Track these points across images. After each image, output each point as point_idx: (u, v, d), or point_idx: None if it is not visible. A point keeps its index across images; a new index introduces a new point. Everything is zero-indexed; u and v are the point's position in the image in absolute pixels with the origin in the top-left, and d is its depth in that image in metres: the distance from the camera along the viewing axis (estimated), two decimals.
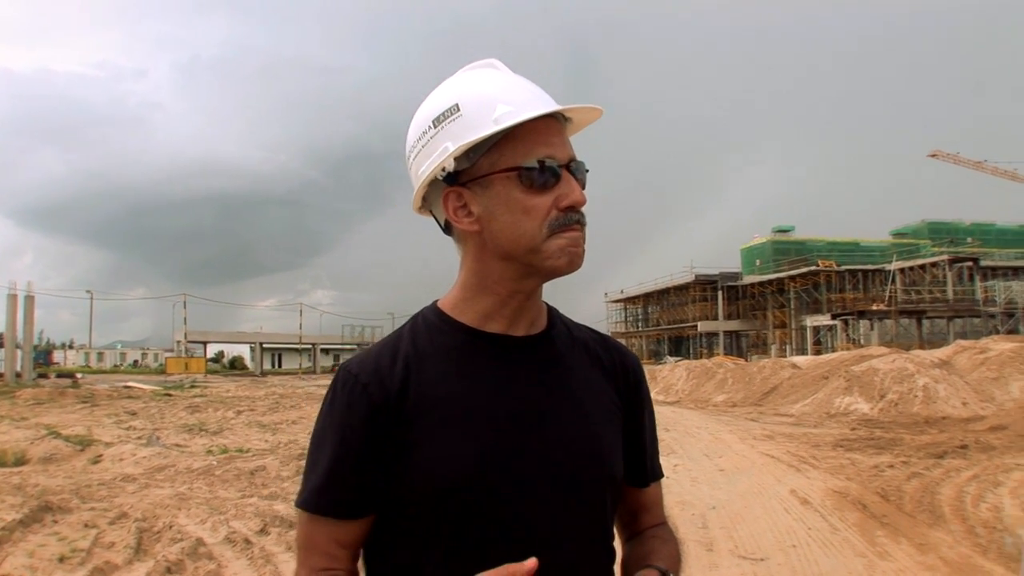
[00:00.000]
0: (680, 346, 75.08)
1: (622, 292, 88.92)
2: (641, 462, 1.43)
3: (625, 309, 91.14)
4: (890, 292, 54.87)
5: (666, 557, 1.33)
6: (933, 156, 77.02)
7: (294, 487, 9.06)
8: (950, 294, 54.10)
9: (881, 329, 49.75)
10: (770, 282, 67.23)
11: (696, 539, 6.48)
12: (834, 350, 45.37)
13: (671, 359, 56.46)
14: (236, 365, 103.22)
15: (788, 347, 60.94)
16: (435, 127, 1.22)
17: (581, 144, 1.29)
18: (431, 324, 1.30)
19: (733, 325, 70.96)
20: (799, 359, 28.94)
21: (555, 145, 1.21)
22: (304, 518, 1.24)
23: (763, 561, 5.80)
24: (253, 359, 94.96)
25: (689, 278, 72.02)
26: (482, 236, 1.24)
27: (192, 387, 38.19)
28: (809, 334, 57.40)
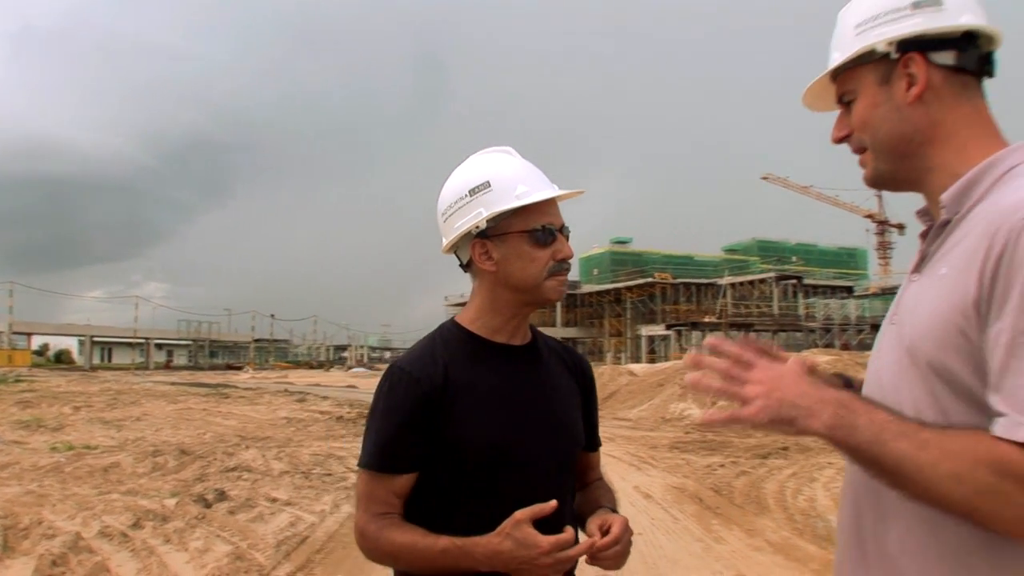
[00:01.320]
0: None
1: (462, 295, 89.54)
2: (592, 434, 2.01)
3: None
4: (721, 305, 58.26)
5: (610, 500, 1.90)
6: (765, 178, 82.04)
7: (152, 483, 9.12)
8: (775, 309, 57.93)
9: None
10: (608, 292, 69.87)
11: None
12: (667, 359, 47.72)
13: None
14: (63, 359, 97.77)
15: (623, 355, 63.46)
16: (471, 196, 1.76)
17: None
18: (456, 335, 1.84)
19: (571, 332, 73.27)
20: (636, 367, 30.45)
21: (552, 215, 1.78)
22: (366, 476, 1.75)
23: None
24: (81, 353, 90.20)
25: None
26: (497, 275, 1.77)
27: (17, 381, 36.00)
28: (644, 343, 60.01)
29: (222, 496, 8.11)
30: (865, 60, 1.39)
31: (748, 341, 1.36)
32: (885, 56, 1.36)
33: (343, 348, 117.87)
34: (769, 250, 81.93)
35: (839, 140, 1.48)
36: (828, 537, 6.84)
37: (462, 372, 1.76)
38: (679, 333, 55.74)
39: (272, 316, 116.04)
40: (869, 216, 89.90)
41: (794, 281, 62.45)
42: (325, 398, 24.69)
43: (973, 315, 1.16)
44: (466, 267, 1.85)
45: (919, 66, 1.34)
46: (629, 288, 67.12)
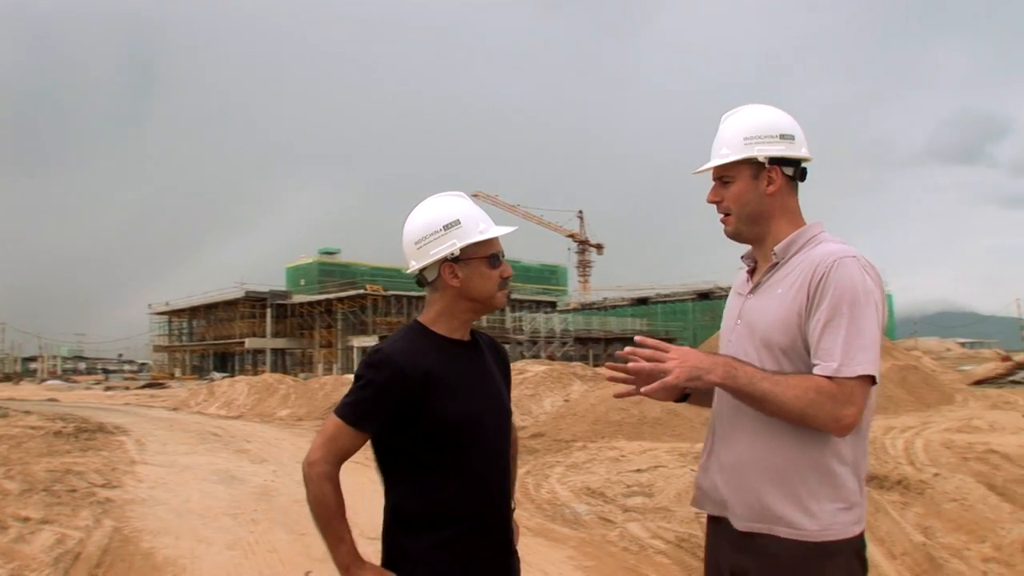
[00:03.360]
0: (226, 362, 74.02)
1: (167, 304, 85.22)
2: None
3: (170, 322, 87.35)
4: None
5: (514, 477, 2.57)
6: (476, 195, 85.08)
7: None
8: (484, 321, 60.38)
9: None
10: (319, 302, 69.29)
11: None
12: None
13: (217, 375, 55.74)
14: None
15: (335, 366, 63.30)
16: (445, 230, 2.30)
17: None
18: (423, 333, 2.36)
19: (281, 343, 71.88)
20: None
21: (498, 245, 2.39)
22: (337, 423, 2.23)
23: None
24: None
25: (239, 294, 71.48)
26: (460, 290, 2.33)
27: None
28: (356, 354, 60.26)
29: None
30: (747, 161, 2.26)
31: (655, 340, 2.19)
32: (759, 163, 2.25)
33: (32, 359, 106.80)
34: None
35: (712, 202, 2.36)
36: (576, 521, 7.78)
37: (435, 364, 2.27)
38: None
39: None
40: (571, 236, 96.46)
41: None
42: (28, 412, 22.75)
43: (804, 313, 2.10)
44: (425, 282, 2.38)
45: (777, 173, 2.26)
46: (341, 299, 67.10)
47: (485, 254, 2.32)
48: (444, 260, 2.29)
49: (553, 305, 76.66)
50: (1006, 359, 39.70)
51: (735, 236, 2.35)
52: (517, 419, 14.22)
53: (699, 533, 6.84)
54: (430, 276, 2.35)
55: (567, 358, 47.04)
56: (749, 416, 2.14)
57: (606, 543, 6.89)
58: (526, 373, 22.90)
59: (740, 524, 2.15)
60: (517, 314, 63.20)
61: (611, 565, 6.19)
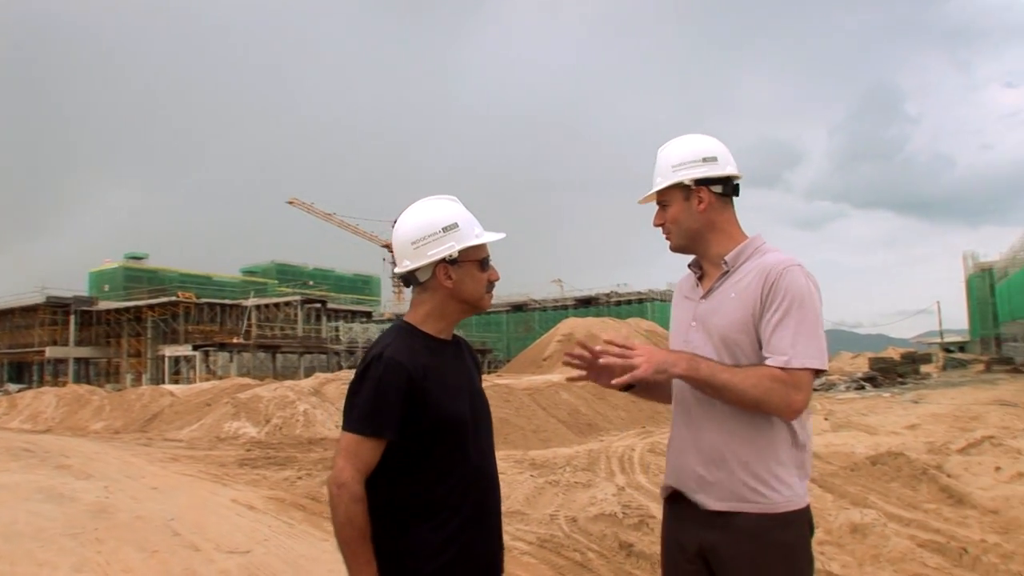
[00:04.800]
0: (23, 372, 68.30)
1: None
2: None
3: None
4: (247, 327, 57.89)
5: None
6: (291, 203, 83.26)
7: None
8: (300, 331, 59.05)
9: (239, 361, 52.19)
10: (128, 309, 65.27)
11: (178, 544, 7.07)
12: (191, 380, 46.25)
13: (13, 387, 51.46)
14: None
15: (144, 376, 59.89)
16: (444, 232, 2.32)
17: None
18: (412, 333, 2.36)
19: (85, 352, 67.05)
20: (176, 388, 29.21)
21: (487, 250, 2.42)
22: (355, 439, 2.21)
23: (249, 553, 6.71)
24: None
25: (39, 299, 66.09)
26: (452, 291, 2.36)
27: None
28: (168, 364, 57.31)
29: None
30: (677, 186, 2.52)
31: (622, 340, 2.38)
32: (687, 186, 2.50)
33: None
34: (288, 273, 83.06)
35: (658, 225, 2.60)
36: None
37: (429, 361, 2.30)
38: (206, 354, 54.32)
39: None
40: (386, 246, 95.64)
41: (319, 305, 64.35)
42: None
43: (757, 315, 2.33)
44: (415, 282, 2.40)
45: (705, 193, 2.50)
46: (151, 306, 63.49)
47: (478, 257, 2.38)
48: (440, 262, 2.32)
49: (369, 315, 75.80)
50: None
51: (678, 250, 2.59)
52: None
53: (559, 534, 7.03)
54: (422, 277, 2.37)
55: None
56: (714, 408, 2.35)
57: None
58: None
59: (714, 504, 2.33)
60: (333, 323, 62.14)
61: None
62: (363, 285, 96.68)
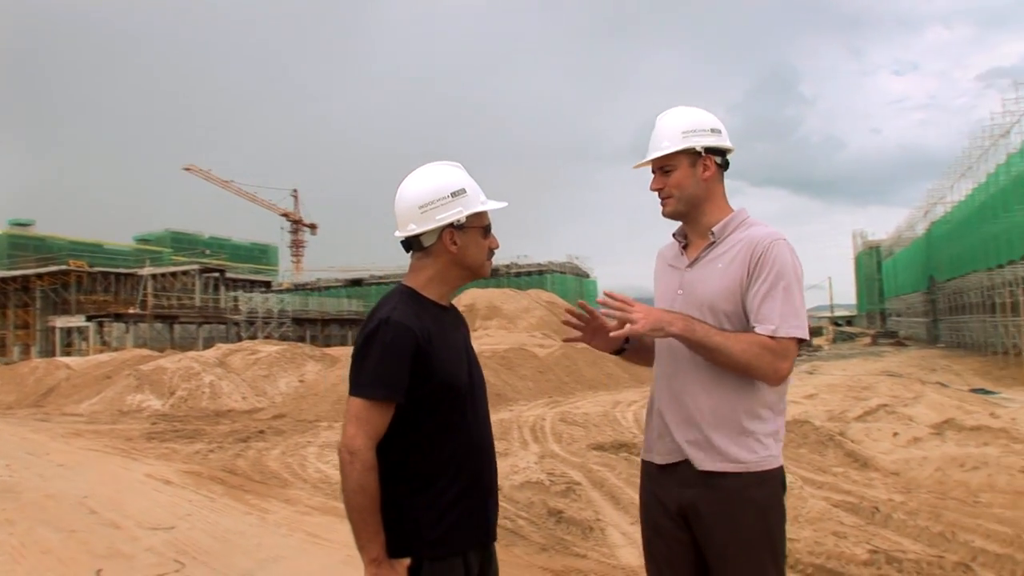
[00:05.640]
0: None
1: None
2: None
3: None
4: (143, 296, 55.86)
5: None
6: (188, 169, 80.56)
7: None
8: (198, 301, 57.30)
9: (136, 332, 50.34)
10: (13, 279, 62.00)
11: (96, 522, 6.81)
12: (85, 353, 44.47)
13: None
14: None
15: (33, 349, 57.19)
16: (452, 197, 2.29)
17: None
18: (415, 298, 2.32)
19: None
20: (71, 360, 28.03)
21: (489, 217, 2.40)
22: (365, 404, 2.15)
23: (173, 529, 6.52)
24: None
25: None
26: (455, 256, 2.33)
27: None
28: (59, 335, 54.84)
29: None
30: (685, 152, 2.53)
31: (622, 295, 2.41)
32: (697, 152, 2.52)
33: None
34: (183, 242, 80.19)
35: (656, 190, 2.59)
36: None
37: (432, 326, 2.26)
38: (100, 325, 52.10)
39: None
40: (285, 215, 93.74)
41: (217, 274, 62.41)
42: None
43: (745, 284, 2.40)
44: (419, 247, 2.34)
45: (711, 162, 2.54)
46: (40, 275, 60.42)
47: (482, 224, 2.36)
48: (447, 227, 2.29)
49: (268, 285, 73.99)
50: None
51: (673, 215, 2.61)
52: (253, 401, 13.94)
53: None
54: (427, 241, 2.32)
55: (284, 339, 45.73)
56: (700, 374, 2.43)
57: None
58: (259, 353, 22.11)
59: (698, 465, 2.41)
60: (232, 293, 60.44)
61: None
62: (261, 254, 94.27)
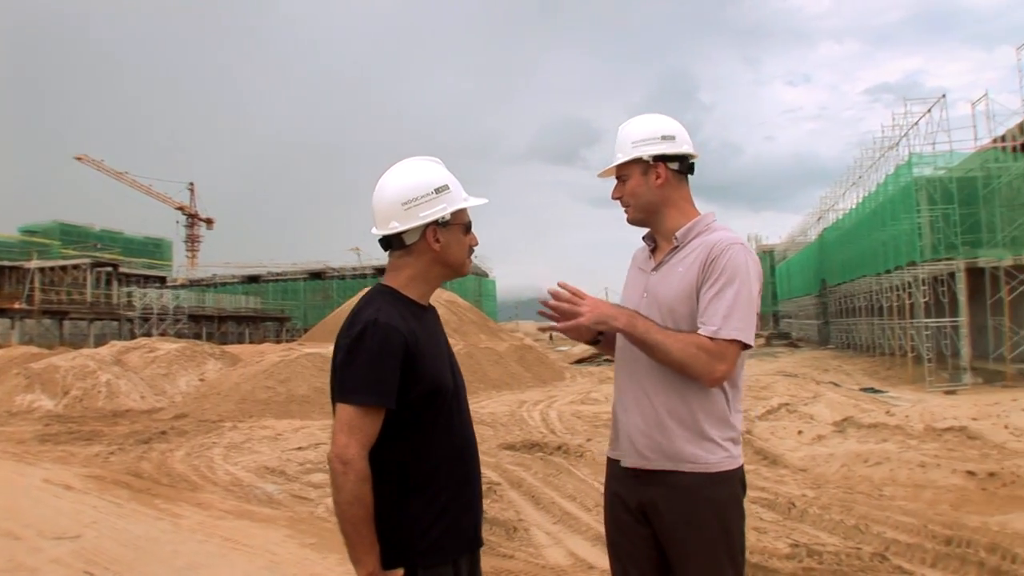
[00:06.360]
0: None
1: None
2: None
3: None
4: (30, 291, 53.17)
5: None
6: (79, 159, 77.08)
7: None
8: (90, 297, 54.93)
9: (22, 328, 47.90)
10: None
11: None
12: None
13: None
14: None
15: None
16: (436, 193, 2.20)
17: None
18: (397, 297, 2.23)
19: None
20: None
21: (469, 215, 2.33)
22: (357, 411, 2.05)
23: (80, 537, 6.16)
24: None
25: None
26: (438, 254, 2.25)
27: None
28: None
29: None
30: (636, 161, 2.56)
31: (574, 287, 2.46)
32: (646, 161, 2.54)
33: None
34: (73, 234, 76.57)
35: (615, 198, 2.63)
36: (270, 501, 7.50)
37: (417, 327, 2.18)
38: None
39: None
40: (181, 208, 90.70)
41: (110, 269, 59.92)
42: None
43: (698, 287, 2.40)
44: (396, 244, 2.25)
45: (662, 169, 2.55)
46: None
47: (463, 221, 2.29)
48: (430, 224, 2.20)
49: (163, 280, 71.49)
50: None
51: (635, 223, 2.65)
52: (152, 400, 13.40)
53: None
54: (410, 239, 2.23)
55: (180, 336, 44.17)
56: (658, 373, 2.43)
57: (317, 519, 6.74)
58: (157, 351, 21.28)
59: (655, 464, 2.41)
60: (126, 289, 58.08)
61: (333, 539, 6.03)
62: (155, 249, 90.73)
